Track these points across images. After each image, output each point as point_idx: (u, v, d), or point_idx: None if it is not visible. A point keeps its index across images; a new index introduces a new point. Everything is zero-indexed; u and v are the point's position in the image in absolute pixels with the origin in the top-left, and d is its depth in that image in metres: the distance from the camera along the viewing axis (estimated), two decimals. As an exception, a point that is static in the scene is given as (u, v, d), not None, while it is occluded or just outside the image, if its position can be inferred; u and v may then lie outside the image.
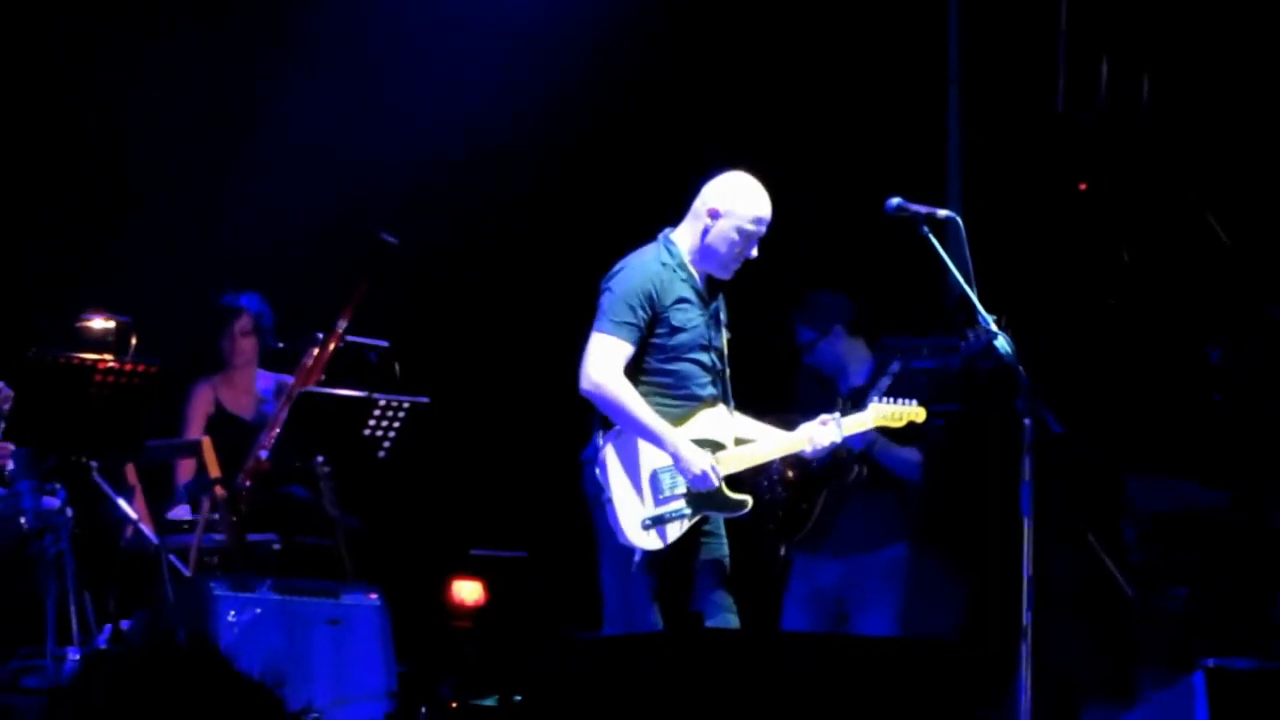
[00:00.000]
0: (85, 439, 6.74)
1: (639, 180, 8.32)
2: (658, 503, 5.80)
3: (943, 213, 5.92)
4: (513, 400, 8.81)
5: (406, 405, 7.03)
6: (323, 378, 7.20)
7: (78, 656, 6.55)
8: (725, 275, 5.95)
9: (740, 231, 5.86)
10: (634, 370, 5.81)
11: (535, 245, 8.84)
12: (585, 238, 7.51)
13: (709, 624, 5.78)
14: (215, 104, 8.46)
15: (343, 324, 7.24)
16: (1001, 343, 5.67)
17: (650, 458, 5.82)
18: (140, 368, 6.67)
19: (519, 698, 7.28)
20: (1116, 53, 8.22)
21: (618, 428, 5.81)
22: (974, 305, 5.73)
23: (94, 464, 6.88)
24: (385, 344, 7.25)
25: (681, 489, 5.81)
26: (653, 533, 5.78)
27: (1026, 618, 5.51)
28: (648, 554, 5.77)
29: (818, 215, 7.93)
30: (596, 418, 5.85)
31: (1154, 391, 7.78)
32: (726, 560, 5.92)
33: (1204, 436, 7.54)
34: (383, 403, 7.00)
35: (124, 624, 7.04)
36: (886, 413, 6.24)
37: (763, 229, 5.88)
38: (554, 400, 7.21)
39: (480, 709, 7.70)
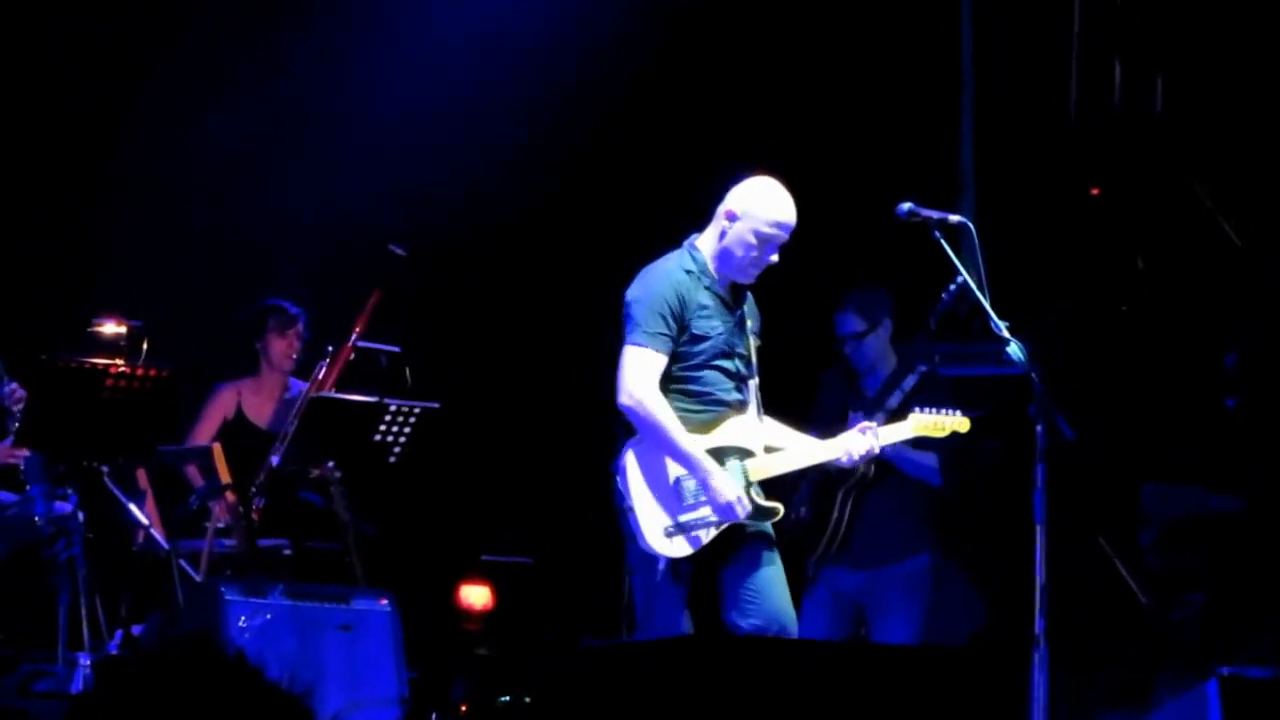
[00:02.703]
0: (97, 444, 6.73)
1: (653, 186, 8.30)
2: (682, 510, 5.72)
3: (955, 218, 5.89)
4: (521, 407, 8.79)
5: (417, 410, 7.02)
6: (333, 390, 7.19)
7: (89, 662, 6.55)
8: (745, 280, 5.86)
9: (757, 235, 5.76)
10: (660, 378, 5.73)
11: (546, 252, 8.81)
12: (597, 244, 7.50)
13: (754, 580, 5.72)
14: (230, 113, 8.45)
15: (354, 338, 7.24)
16: (1014, 349, 5.65)
17: (673, 465, 5.74)
18: (152, 372, 6.66)
19: (528, 700, 7.28)
20: (1129, 56, 8.19)
21: (639, 436, 5.74)
22: (986, 311, 5.70)
23: (105, 469, 6.87)
24: (396, 349, 7.24)
25: (706, 497, 5.75)
26: (677, 540, 5.70)
27: (1040, 625, 5.48)
28: (672, 561, 5.72)
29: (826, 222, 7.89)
30: (621, 427, 5.79)
31: (1168, 397, 7.75)
32: (770, 532, 5.81)
33: (1219, 442, 7.51)
34: (393, 408, 6.99)
35: (135, 629, 7.04)
36: (928, 422, 6.12)
37: (783, 234, 5.79)
38: (562, 407, 7.19)
39: (490, 712, 7.68)
